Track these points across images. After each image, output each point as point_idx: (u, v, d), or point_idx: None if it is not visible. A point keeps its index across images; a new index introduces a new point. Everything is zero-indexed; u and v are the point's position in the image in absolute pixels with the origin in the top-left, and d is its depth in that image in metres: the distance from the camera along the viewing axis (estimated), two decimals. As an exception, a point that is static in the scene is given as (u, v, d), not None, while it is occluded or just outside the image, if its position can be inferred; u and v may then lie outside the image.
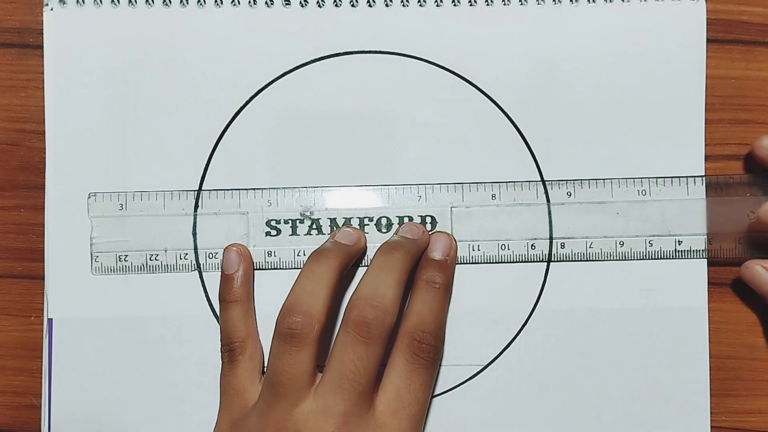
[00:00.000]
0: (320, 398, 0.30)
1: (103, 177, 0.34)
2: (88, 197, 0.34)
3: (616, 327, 0.34)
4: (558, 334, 0.34)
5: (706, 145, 0.34)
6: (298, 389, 0.30)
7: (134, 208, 0.34)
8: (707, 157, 0.34)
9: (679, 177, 0.34)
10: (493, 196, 0.34)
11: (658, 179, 0.34)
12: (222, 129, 0.34)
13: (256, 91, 0.34)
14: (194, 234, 0.34)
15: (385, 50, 0.34)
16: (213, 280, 0.34)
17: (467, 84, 0.34)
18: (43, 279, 0.34)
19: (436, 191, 0.34)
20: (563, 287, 0.34)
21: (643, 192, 0.34)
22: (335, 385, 0.29)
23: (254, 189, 0.34)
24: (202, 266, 0.34)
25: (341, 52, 0.34)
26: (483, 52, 0.34)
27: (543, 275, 0.34)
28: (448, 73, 0.34)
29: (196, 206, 0.34)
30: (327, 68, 0.34)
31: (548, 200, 0.34)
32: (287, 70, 0.34)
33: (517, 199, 0.34)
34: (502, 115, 0.34)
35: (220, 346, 0.33)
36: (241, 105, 0.34)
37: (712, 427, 0.34)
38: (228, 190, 0.34)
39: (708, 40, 0.34)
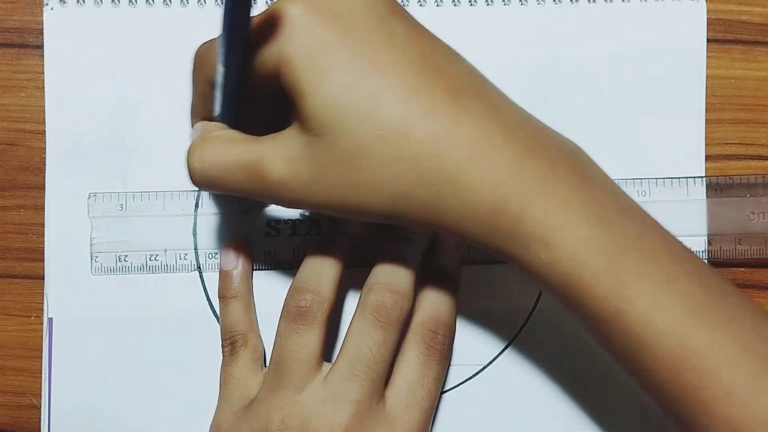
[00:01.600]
0: (331, 385, 0.29)
1: (103, 177, 0.34)
2: (88, 197, 0.34)
3: (616, 327, 0.34)
4: (558, 334, 0.34)
5: (706, 145, 0.34)
6: (304, 372, 0.29)
7: (134, 208, 0.34)
8: (707, 157, 0.34)
9: (679, 178, 0.34)
10: None
11: (658, 180, 0.34)
12: (222, 129, 0.34)
13: (256, 91, 0.34)
14: (194, 234, 0.34)
15: (385, 50, 0.34)
16: (213, 280, 0.34)
17: (467, 84, 0.34)
18: (43, 279, 0.34)
19: None
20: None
21: (643, 193, 0.34)
22: (348, 371, 0.29)
23: None
24: (202, 266, 0.34)
25: (341, 52, 0.34)
26: (483, 52, 0.34)
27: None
28: (448, 73, 0.34)
29: (196, 206, 0.34)
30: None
31: None
32: (287, 70, 0.34)
33: None
34: (502, 115, 0.34)
35: (220, 343, 0.33)
36: (241, 105, 0.34)
37: (712, 427, 0.34)
38: None
39: (708, 40, 0.34)
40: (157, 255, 0.34)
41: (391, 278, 0.30)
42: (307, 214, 0.34)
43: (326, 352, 0.31)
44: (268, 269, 0.34)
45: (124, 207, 0.34)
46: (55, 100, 0.34)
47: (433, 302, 0.31)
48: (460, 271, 0.34)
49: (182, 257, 0.34)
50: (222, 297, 0.33)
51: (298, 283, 0.30)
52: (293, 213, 0.34)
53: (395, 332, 0.29)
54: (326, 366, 0.30)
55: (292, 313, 0.30)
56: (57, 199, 0.34)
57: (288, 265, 0.34)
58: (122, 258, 0.34)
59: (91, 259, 0.34)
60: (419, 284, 0.32)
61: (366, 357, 0.29)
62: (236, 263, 0.33)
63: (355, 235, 0.33)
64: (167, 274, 0.34)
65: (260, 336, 0.33)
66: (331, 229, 0.33)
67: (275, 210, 0.34)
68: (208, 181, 0.28)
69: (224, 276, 0.33)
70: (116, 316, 0.34)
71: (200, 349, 0.34)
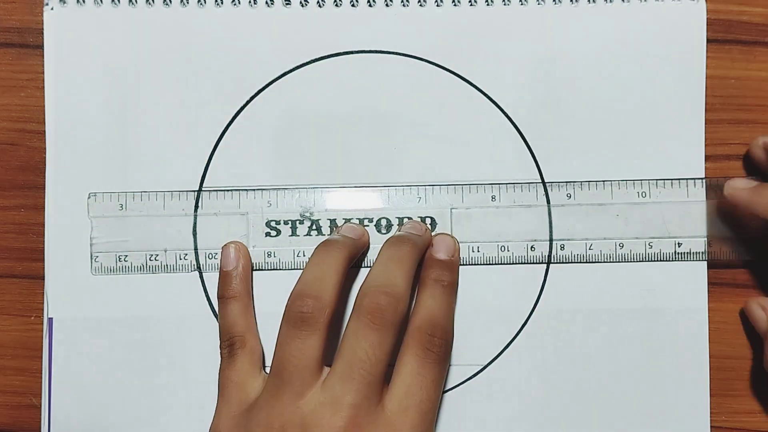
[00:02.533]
0: (328, 390, 0.29)
1: (103, 177, 0.34)
2: (88, 197, 0.34)
3: (616, 327, 0.34)
4: (558, 334, 0.34)
5: (706, 145, 0.34)
6: (305, 377, 0.29)
7: (134, 208, 0.34)
8: (707, 157, 0.34)
9: (679, 179, 0.34)
10: (493, 197, 0.34)
11: (658, 181, 0.34)
12: (222, 129, 0.34)
13: (256, 91, 0.34)
14: (194, 234, 0.34)
15: (385, 50, 0.34)
16: (213, 280, 0.34)
17: (467, 84, 0.34)
18: (43, 279, 0.34)
19: (435, 192, 0.34)
20: (563, 287, 0.34)
21: (643, 194, 0.34)
22: (345, 374, 0.29)
23: (254, 189, 0.34)
24: (202, 266, 0.34)
25: (341, 52, 0.34)
26: (483, 52, 0.34)
27: (543, 275, 0.34)
28: (448, 73, 0.34)
29: (196, 207, 0.34)
30: (327, 68, 0.34)
31: (548, 202, 0.34)
32: (287, 70, 0.34)
33: (516, 200, 0.34)
34: (502, 115, 0.34)
35: (219, 343, 0.33)
36: (242, 105, 0.34)
37: (712, 427, 0.34)
38: (228, 190, 0.34)
39: (708, 40, 0.34)
40: (157, 255, 0.34)
41: (385, 281, 0.30)
42: (307, 214, 0.34)
43: (326, 357, 0.31)
44: (268, 270, 0.34)
45: (124, 207, 0.34)
46: (55, 100, 0.34)
47: (430, 306, 0.31)
48: (458, 274, 0.34)
49: (182, 257, 0.34)
50: (221, 297, 0.33)
51: (299, 289, 0.30)
52: (293, 214, 0.34)
53: (391, 334, 0.29)
54: (326, 370, 0.30)
55: (293, 319, 0.29)
56: (57, 199, 0.34)
57: (288, 266, 0.34)
58: (122, 258, 0.34)
59: (91, 259, 0.34)
60: (417, 288, 0.32)
61: (362, 360, 0.29)
62: (236, 264, 0.33)
63: (356, 240, 0.33)
64: (167, 274, 0.34)
65: (259, 338, 0.33)
66: (333, 234, 0.34)
67: (274, 210, 0.34)
68: None
69: (223, 276, 0.33)
70: (116, 316, 0.34)
71: (200, 349, 0.34)
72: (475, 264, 0.34)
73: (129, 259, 0.34)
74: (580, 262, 0.34)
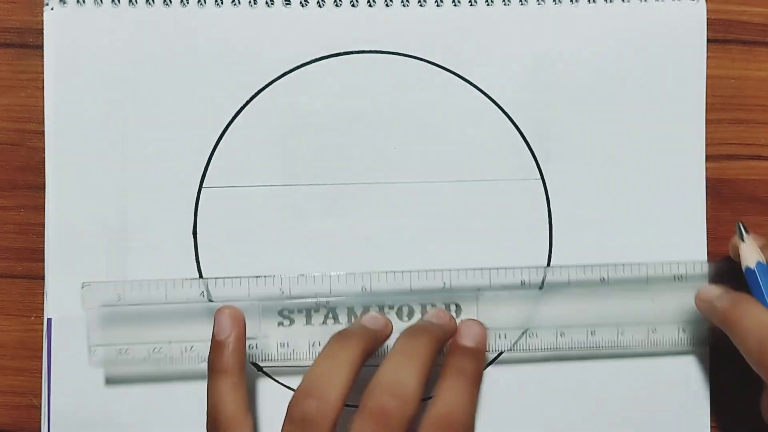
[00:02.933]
0: None
1: (103, 177, 0.34)
2: (82, 287, 0.32)
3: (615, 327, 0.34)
4: (557, 335, 0.34)
5: (706, 145, 0.34)
6: None
7: (132, 298, 0.32)
8: (707, 157, 0.34)
9: (710, 262, 0.34)
10: (523, 282, 0.33)
11: (696, 263, 0.33)
12: (222, 128, 0.34)
13: (256, 91, 0.34)
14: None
15: (385, 50, 0.34)
16: (214, 282, 0.34)
17: (467, 84, 0.34)
18: (43, 279, 0.34)
19: (461, 276, 0.33)
20: (563, 287, 0.34)
21: (680, 278, 0.33)
22: None
23: (265, 277, 0.33)
24: None
25: (341, 52, 0.34)
26: (483, 51, 0.34)
27: (542, 276, 0.34)
28: (448, 73, 0.34)
29: (201, 294, 0.33)
30: (327, 68, 0.34)
31: (545, 286, 0.33)
32: (287, 70, 0.34)
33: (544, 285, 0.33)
34: (502, 114, 0.34)
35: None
36: (242, 105, 0.34)
37: (712, 427, 0.34)
38: (237, 278, 0.33)
39: (708, 40, 0.34)
40: (161, 347, 0.32)
41: (394, 379, 0.27)
42: (322, 301, 0.32)
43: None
44: (283, 361, 0.33)
45: (121, 297, 0.32)
46: (55, 100, 0.34)
47: (448, 400, 0.29)
48: (484, 367, 0.32)
49: (188, 349, 0.32)
50: (211, 369, 0.30)
51: (305, 386, 0.28)
52: (307, 301, 0.33)
53: None
54: None
55: (296, 420, 0.27)
56: (57, 199, 0.34)
57: (303, 356, 0.33)
58: (123, 351, 0.32)
59: (89, 351, 0.32)
60: (438, 376, 0.30)
61: None
62: (229, 332, 0.30)
63: (377, 332, 0.31)
64: (165, 265, 0.33)
65: (249, 418, 0.30)
66: (352, 324, 0.32)
67: (288, 298, 0.33)
68: None
69: (215, 345, 0.30)
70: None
71: (200, 349, 0.34)
72: (501, 353, 0.33)
73: (130, 352, 0.32)
74: (613, 356, 0.33)
